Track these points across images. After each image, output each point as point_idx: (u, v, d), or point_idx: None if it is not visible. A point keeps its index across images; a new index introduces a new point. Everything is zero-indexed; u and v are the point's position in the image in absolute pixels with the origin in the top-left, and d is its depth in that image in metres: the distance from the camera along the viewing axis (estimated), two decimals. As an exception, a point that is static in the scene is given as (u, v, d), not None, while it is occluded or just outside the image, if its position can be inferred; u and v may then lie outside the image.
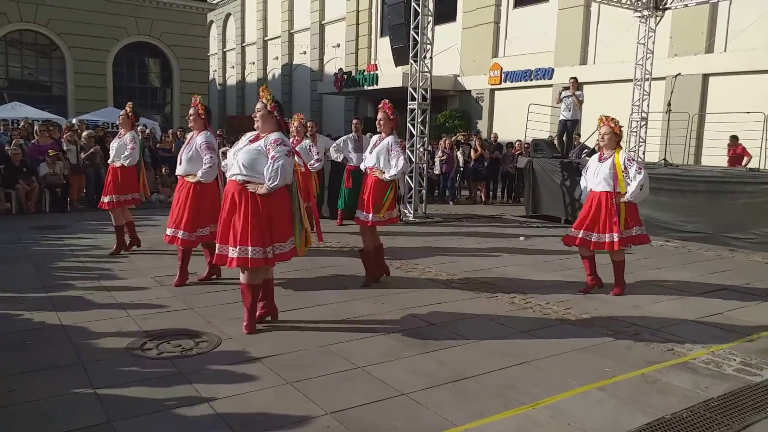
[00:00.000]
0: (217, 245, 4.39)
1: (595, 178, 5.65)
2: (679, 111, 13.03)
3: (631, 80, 14.31)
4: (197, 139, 5.59)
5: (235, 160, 4.28)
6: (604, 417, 3.24)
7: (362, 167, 5.95)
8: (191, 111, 5.64)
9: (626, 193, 5.48)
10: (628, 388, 3.60)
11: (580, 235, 5.69)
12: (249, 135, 4.45)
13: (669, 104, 11.20)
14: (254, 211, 4.21)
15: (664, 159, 10.76)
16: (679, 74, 12.17)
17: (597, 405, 3.39)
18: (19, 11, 22.40)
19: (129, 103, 7.41)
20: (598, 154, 5.81)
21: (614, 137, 5.56)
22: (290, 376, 3.64)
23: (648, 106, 13.94)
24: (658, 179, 9.45)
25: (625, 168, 5.48)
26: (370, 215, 5.71)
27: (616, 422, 3.18)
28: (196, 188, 5.54)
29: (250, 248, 4.18)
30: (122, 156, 6.96)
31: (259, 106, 4.34)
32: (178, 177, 5.75)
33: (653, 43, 13.71)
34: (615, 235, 5.49)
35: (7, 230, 8.58)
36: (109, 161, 7.23)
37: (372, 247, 5.93)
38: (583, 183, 5.93)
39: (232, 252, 4.23)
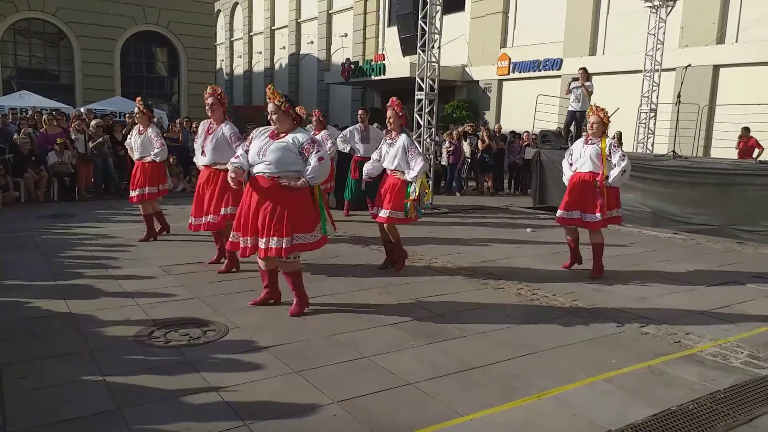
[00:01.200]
0: (242, 238, 4.50)
1: (581, 158, 5.94)
2: (689, 102, 12.92)
3: (640, 71, 14.19)
4: (224, 129, 5.63)
5: (262, 157, 4.35)
6: (610, 408, 3.24)
7: (385, 167, 5.96)
8: (212, 100, 5.62)
9: (608, 177, 5.77)
10: (634, 380, 3.60)
11: (573, 215, 5.95)
12: (264, 130, 4.54)
13: (679, 95, 11.11)
14: (276, 205, 4.33)
15: (673, 151, 10.69)
16: (689, 65, 12.05)
17: (603, 396, 3.39)
18: (27, 0, 22.43)
19: (138, 98, 7.33)
20: (584, 138, 6.09)
21: (602, 126, 5.89)
22: (297, 365, 3.66)
23: (657, 97, 13.83)
24: (668, 171, 9.41)
25: (610, 153, 5.80)
26: (388, 212, 5.76)
27: (622, 414, 3.18)
28: (224, 177, 5.58)
29: (272, 239, 4.35)
30: (152, 153, 7.00)
31: (272, 107, 4.37)
32: (203, 167, 5.75)
33: (663, 33, 13.58)
34: (598, 215, 5.82)
35: (16, 219, 8.64)
36: (135, 158, 7.21)
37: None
38: (566, 166, 6.14)
39: (261, 243, 4.37)
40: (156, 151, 7.00)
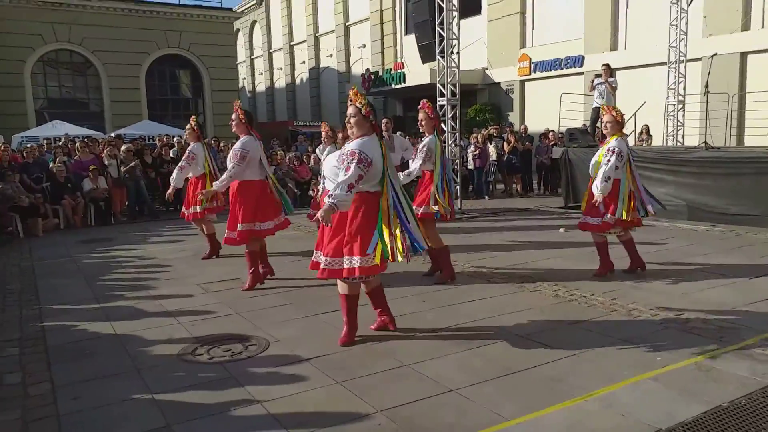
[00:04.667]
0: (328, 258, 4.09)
1: (590, 165, 5.92)
2: (718, 92, 12.68)
3: (665, 63, 13.99)
4: (236, 144, 5.79)
5: (322, 169, 4.19)
6: (658, 407, 3.19)
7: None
8: (233, 117, 5.84)
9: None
10: (681, 377, 3.54)
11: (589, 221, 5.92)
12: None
13: (706, 85, 10.92)
14: (345, 221, 4.03)
15: (705, 142, 10.50)
16: (715, 54, 11.84)
17: (650, 395, 3.34)
18: (54, 32, 23.14)
19: (193, 116, 7.69)
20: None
21: (616, 125, 5.82)
22: (339, 375, 3.69)
23: (684, 88, 13.61)
24: (700, 163, 9.24)
25: (607, 155, 5.65)
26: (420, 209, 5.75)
27: (670, 412, 3.12)
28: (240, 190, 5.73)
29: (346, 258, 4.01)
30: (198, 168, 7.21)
31: (352, 110, 4.07)
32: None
33: (686, 24, 13.38)
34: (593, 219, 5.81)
35: (58, 245, 8.89)
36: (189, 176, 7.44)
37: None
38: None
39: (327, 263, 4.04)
40: (191, 165, 7.19)
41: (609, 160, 5.57)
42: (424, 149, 5.74)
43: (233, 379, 3.70)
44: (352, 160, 3.87)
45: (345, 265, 3.99)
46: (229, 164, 5.64)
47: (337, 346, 4.19)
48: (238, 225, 5.65)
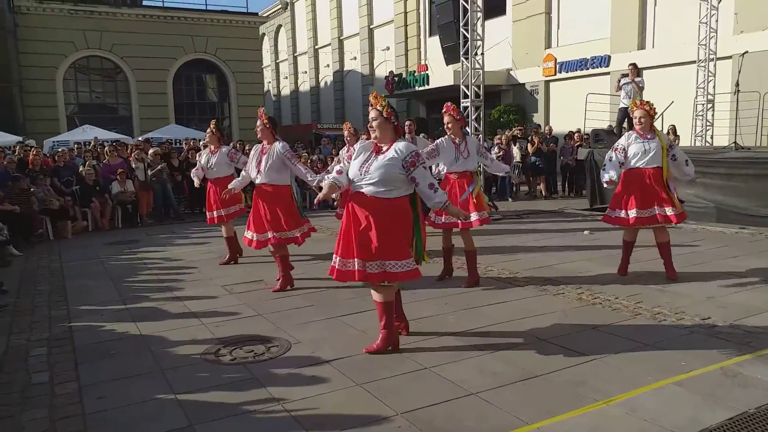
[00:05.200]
0: (341, 260, 4.07)
1: (646, 156, 5.72)
2: (749, 90, 12.39)
3: (694, 62, 13.72)
4: (277, 147, 5.79)
5: (365, 174, 3.96)
6: (682, 412, 3.13)
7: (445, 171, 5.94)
8: (258, 123, 5.89)
9: (688, 175, 5.87)
10: (706, 383, 3.47)
11: (647, 214, 5.72)
12: (368, 144, 4.12)
13: (737, 84, 10.71)
14: (372, 225, 3.95)
15: (735, 142, 10.29)
16: (746, 52, 11.59)
17: (674, 400, 3.28)
18: (86, 39, 23.68)
19: (212, 120, 7.79)
20: (633, 134, 5.85)
21: (649, 119, 5.80)
22: (359, 377, 3.70)
23: (714, 87, 13.34)
24: (729, 164, 9.05)
25: (671, 146, 5.80)
26: (477, 214, 5.74)
27: (695, 418, 3.07)
28: (287, 191, 5.84)
29: (391, 263, 3.97)
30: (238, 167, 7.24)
31: (374, 114, 4.02)
32: (259, 184, 5.88)
33: (716, 21, 13.12)
34: (671, 209, 5.64)
35: (86, 247, 9.08)
36: (209, 177, 7.42)
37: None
38: (614, 164, 5.86)
39: (371, 267, 3.97)
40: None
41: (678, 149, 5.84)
42: (491, 149, 5.82)
43: (255, 380, 3.74)
44: (424, 161, 4.12)
45: (394, 270, 3.96)
46: (299, 167, 5.84)
47: (358, 348, 4.19)
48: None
